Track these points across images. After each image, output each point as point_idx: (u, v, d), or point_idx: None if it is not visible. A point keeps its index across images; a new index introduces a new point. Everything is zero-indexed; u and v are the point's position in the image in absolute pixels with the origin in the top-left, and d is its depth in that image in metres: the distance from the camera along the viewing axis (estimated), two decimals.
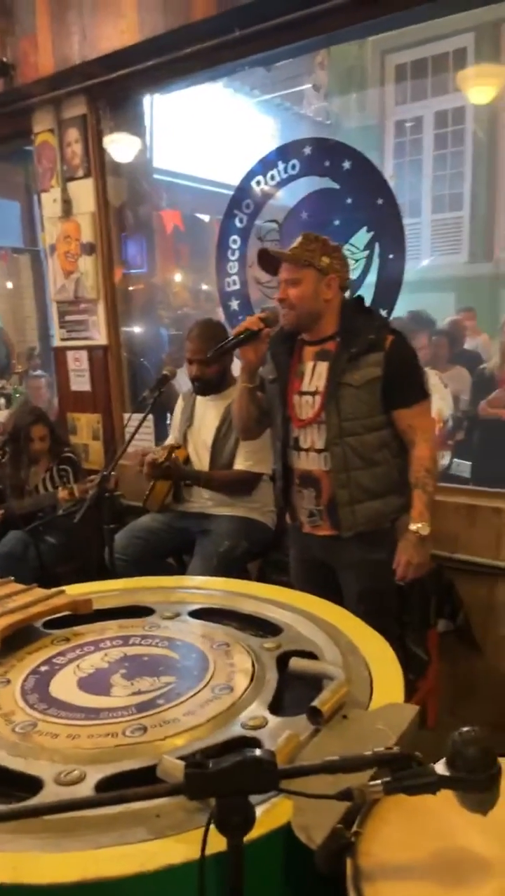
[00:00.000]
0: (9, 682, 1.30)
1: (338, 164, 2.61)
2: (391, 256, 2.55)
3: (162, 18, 2.73)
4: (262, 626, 1.53)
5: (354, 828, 0.87)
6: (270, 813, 0.91)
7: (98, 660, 1.37)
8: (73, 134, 3.28)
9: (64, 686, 1.27)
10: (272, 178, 2.82)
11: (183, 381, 2.93)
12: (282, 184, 2.80)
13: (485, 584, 2.45)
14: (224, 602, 1.65)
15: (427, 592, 2.31)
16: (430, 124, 7.75)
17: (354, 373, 1.90)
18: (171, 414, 2.94)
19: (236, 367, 2.71)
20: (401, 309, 2.79)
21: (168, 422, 3.06)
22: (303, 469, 2.01)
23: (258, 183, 2.87)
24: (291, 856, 0.91)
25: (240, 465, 2.59)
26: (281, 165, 2.78)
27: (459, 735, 0.80)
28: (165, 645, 1.42)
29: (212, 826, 0.77)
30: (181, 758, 1.02)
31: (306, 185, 2.77)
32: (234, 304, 3.02)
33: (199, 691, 1.23)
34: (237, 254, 2.98)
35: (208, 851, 0.78)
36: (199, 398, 2.75)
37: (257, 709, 1.18)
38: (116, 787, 1.01)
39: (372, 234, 2.56)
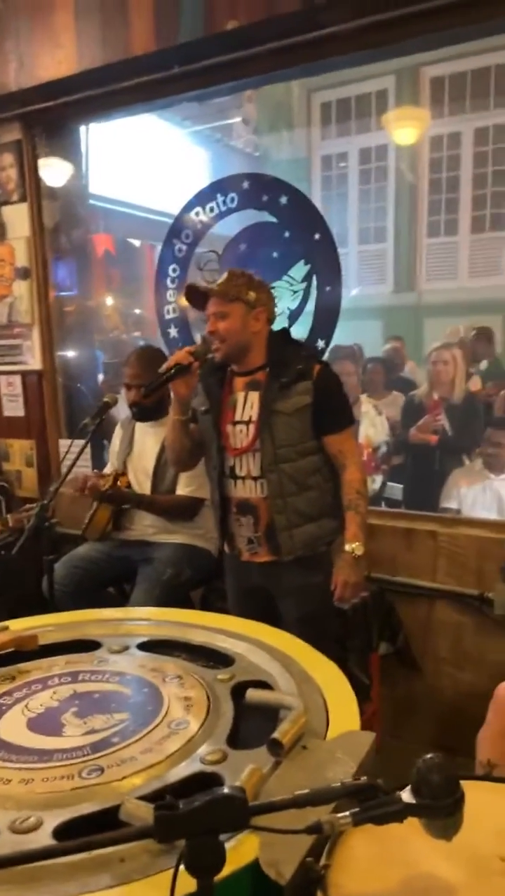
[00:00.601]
0: None
1: (275, 198, 2.69)
2: (328, 288, 2.63)
3: (101, 51, 2.75)
4: (213, 657, 1.52)
5: (323, 860, 0.88)
6: (237, 850, 0.91)
7: (47, 698, 1.34)
8: (7, 159, 3.25)
9: (13, 728, 1.23)
10: (211, 209, 2.87)
11: (121, 408, 2.91)
12: (220, 216, 2.85)
13: (423, 606, 2.53)
14: (173, 633, 1.64)
15: (369, 616, 2.35)
16: (355, 160, 8.05)
17: (284, 401, 1.97)
18: (109, 441, 2.91)
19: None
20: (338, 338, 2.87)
21: (105, 449, 3.02)
22: (240, 497, 2.04)
23: (197, 214, 2.91)
24: (259, 892, 0.91)
25: (182, 490, 2.59)
26: (220, 198, 2.83)
27: (423, 762, 0.82)
28: (116, 680, 1.40)
29: (181, 867, 0.76)
30: (144, 798, 1.00)
31: (246, 217, 2.83)
32: (174, 332, 3.04)
33: (155, 727, 1.21)
34: (176, 282, 3.00)
35: (176, 894, 0.77)
36: (138, 425, 2.73)
37: (216, 743, 1.17)
38: (75, 832, 0.98)
39: (309, 266, 2.63)
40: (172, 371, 1.97)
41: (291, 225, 2.66)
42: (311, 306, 2.68)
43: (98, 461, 3.12)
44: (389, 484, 3.72)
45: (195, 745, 1.16)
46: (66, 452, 2.35)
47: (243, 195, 2.78)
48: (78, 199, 3.55)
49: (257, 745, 1.16)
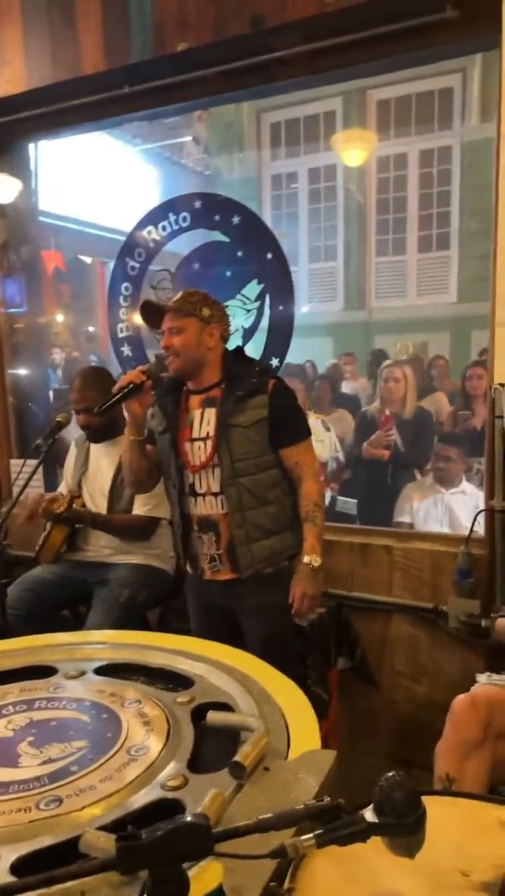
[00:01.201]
0: None
1: (227, 218, 2.71)
2: (281, 307, 2.66)
3: (51, 69, 2.75)
4: (172, 680, 1.50)
5: (287, 884, 0.87)
6: (199, 878, 0.89)
7: (2, 728, 1.29)
8: None
9: None
10: (163, 228, 2.88)
11: (74, 428, 2.87)
12: (172, 235, 2.87)
13: (379, 620, 2.55)
14: (131, 656, 1.61)
15: (327, 632, 2.37)
16: (304, 179, 8.19)
17: (240, 415, 1.99)
18: (61, 462, 2.87)
19: None
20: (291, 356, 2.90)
21: (59, 469, 2.98)
22: (201, 514, 2.04)
23: (149, 232, 2.91)
24: None
25: (138, 509, 2.56)
26: (172, 217, 2.85)
27: (385, 780, 0.83)
28: (73, 707, 1.37)
29: None
30: (105, 828, 0.98)
31: (198, 236, 2.85)
32: (127, 350, 3.02)
33: (114, 754, 1.18)
34: (129, 300, 2.99)
35: None
36: (93, 445, 2.70)
37: (176, 768, 1.15)
38: (34, 866, 0.95)
39: (262, 286, 2.67)
40: (126, 390, 1.97)
41: (243, 244, 2.69)
42: (264, 324, 2.70)
43: (51, 482, 3.07)
44: (342, 499, 3.77)
45: (155, 771, 1.14)
46: (19, 473, 2.31)
47: (196, 214, 2.80)
48: (27, 216, 3.53)
49: (218, 768, 1.15)
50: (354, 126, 7.35)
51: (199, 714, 1.30)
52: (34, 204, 3.71)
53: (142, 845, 0.74)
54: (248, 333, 2.70)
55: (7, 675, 1.53)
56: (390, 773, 0.84)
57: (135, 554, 2.58)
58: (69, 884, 0.89)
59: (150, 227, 2.91)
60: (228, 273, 2.73)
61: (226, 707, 1.33)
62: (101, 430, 2.59)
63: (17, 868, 0.94)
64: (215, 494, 2.01)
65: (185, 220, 2.82)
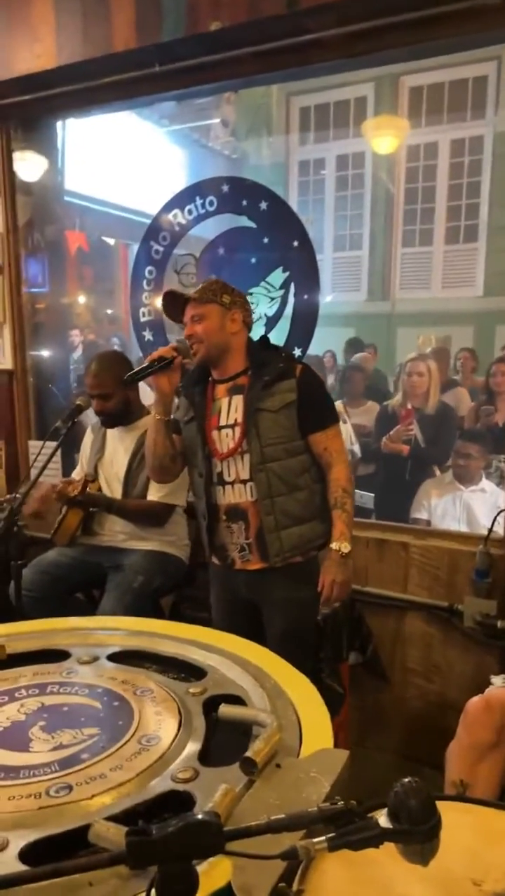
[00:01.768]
0: None
1: (255, 204, 2.67)
2: (305, 296, 2.62)
3: (81, 46, 2.71)
4: (184, 669, 1.49)
5: (296, 885, 0.86)
6: (209, 874, 0.89)
7: (14, 711, 1.29)
8: None
9: None
10: (189, 212, 2.84)
11: (92, 412, 2.86)
12: (199, 219, 2.83)
13: (393, 617, 2.53)
14: (144, 644, 1.61)
15: (340, 626, 2.35)
16: (332, 166, 8.09)
17: (269, 399, 1.96)
18: (78, 446, 2.86)
19: (144, 397, 2.70)
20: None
21: (76, 453, 2.97)
22: (229, 503, 2.02)
23: (175, 216, 2.88)
24: None
25: (153, 495, 2.55)
26: (198, 201, 2.81)
27: (400, 786, 0.81)
28: (86, 693, 1.36)
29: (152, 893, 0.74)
30: (114, 818, 0.98)
31: (224, 221, 2.81)
32: (149, 334, 3.00)
33: (125, 743, 1.18)
34: (152, 284, 2.96)
35: None
36: (109, 430, 2.69)
37: (187, 760, 1.15)
38: (42, 853, 0.95)
39: (287, 274, 2.63)
40: (156, 364, 1.96)
41: (270, 231, 2.65)
42: (288, 312, 2.67)
43: (68, 465, 3.07)
44: (359, 492, 3.73)
45: (166, 762, 1.13)
46: (38, 455, 2.30)
47: (223, 198, 2.76)
48: (53, 195, 3.50)
49: (229, 761, 1.14)
50: (385, 113, 7.24)
51: (210, 706, 1.30)
52: (60, 183, 3.69)
53: (152, 841, 0.73)
54: (272, 322, 2.67)
55: (21, 657, 1.53)
56: (406, 780, 0.82)
57: (149, 540, 2.57)
58: (77, 874, 0.88)
59: (176, 211, 2.87)
60: (253, 260, 2.69)
61: (238, 700, 1.32)
62: (116, 415, 2.58)
63: (26, 854, 0.94)
64: (244, 482, 1.99)
65: (211, 204, 2.79)
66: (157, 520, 2.57)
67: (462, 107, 7.10)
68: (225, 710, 1.24)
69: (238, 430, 1.98)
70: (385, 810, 0.81)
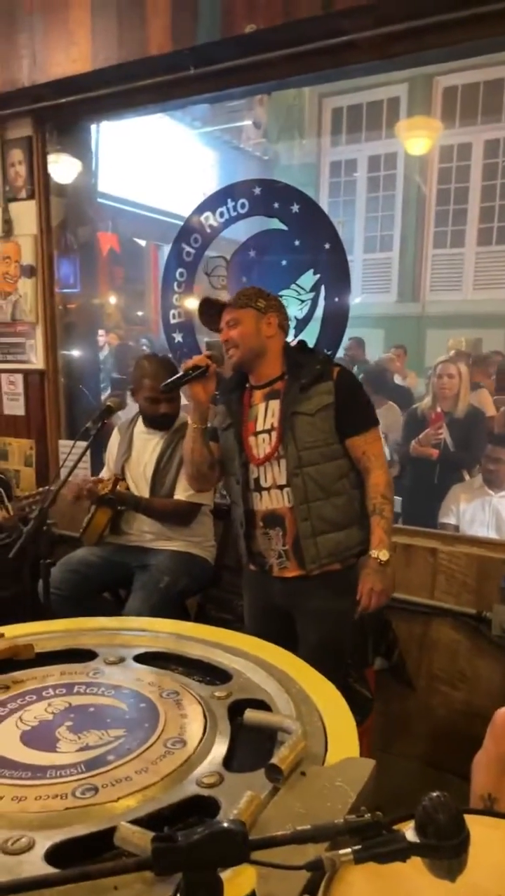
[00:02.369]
0: None
1: (286, 206, 2.67)
2: (336, 300, 2.61)
3: (116, 50, 2.73)
4: (209, 672, 1.50)
5: (320, 895, 0.85)
6: (233, 882, 0.88)
7: (41, 710, 1.31)
8: (17, 155, 3.22)
9: (6, 741, 1.20)
10: (221, 214, 2.85)
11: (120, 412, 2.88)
12: (230, 221, 2.83)
13: (419, 623, 2.51)
14: (170, 646, 1.61)
15: (366, 631, 2.33)
16: (363, 167, 8.04)
17: (305, 402, 1.94)
18: (105, 446, 2.88)
19: None
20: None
21: (104, 452, 3.00)
22: (266, 509, 2.00)
23: (206, 218, 2.89)
24: None
25: (180, 495, 2.57)
26: (230, 203, 2.81)
27: (428, 800, 0.80)
28: (112, 694, 1.37)
29: None
30: (139, 821, 0.98)
31: (255, 223, 2.82)
32: (179, 336, 3.02)
33: (150, 746, 1.18)
34: (183, 286, 2.98)
35: None
36: (137, 430, 2.71)
37: (212, 764, 1.15)
38: (67, 854, 0.96)
39: (318, 276, 2.62)
40: (192, 372, 1.96)
41: (301, 233, 2.64)
42: (318, 314, 2.66)
43: (97, 465, 3.10)
44: None
45: (191, 766, 1.13)
46: (68, 454, 2.32)
47: (254, 201, 2.76)
48: (86, 197, 3.53)
49: (253, 767, 1.14)
50: (419, 113, 7.17)
51: (236, 710, 1.29)
52: (93, 185, 3.72)
53: (178, 848, 0.74)
54: (302, 324, 2.66)
55: (49, 656, 1.54)
56: (435, 794, 0.81)
57: (176, 540, 2.58)
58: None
59: (208, 213, 2.88)
60: (284, 262, 2.69)
61: (263, 705, 1.32)
62: (170, 417, 2.60)
63: (51, 854, 0.95)
64: (281, 487, 1.96)
65: (243, 206, 2.79)
66: (184, 519, 2.58)
67: (497, 107, 6.99)
68: (250, 715, 1.24)
69: (274, 434, 1.96)
70: (412, 823, 0.80)
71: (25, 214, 3.26)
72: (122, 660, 1.52)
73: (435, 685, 2.52)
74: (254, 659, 1.51)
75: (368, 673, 2.41)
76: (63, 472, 2.31)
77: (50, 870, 0.92)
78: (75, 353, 3.53)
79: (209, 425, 2.07)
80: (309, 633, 2.01)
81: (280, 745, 1.15)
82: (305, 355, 2.05)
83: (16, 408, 3.42)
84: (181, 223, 3.01)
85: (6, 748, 1.18)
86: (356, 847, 0.80)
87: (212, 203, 2.87)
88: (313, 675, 1.45)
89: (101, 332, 5.78)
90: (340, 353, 4.87)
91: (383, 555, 1.93)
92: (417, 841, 0.79)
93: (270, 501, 1.99)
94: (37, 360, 3.34)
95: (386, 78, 6.17)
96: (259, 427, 2.00)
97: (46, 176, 3.26)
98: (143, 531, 2.61)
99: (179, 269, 2.98)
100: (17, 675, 1.45)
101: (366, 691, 2.28)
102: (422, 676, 2.53)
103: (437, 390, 3.58)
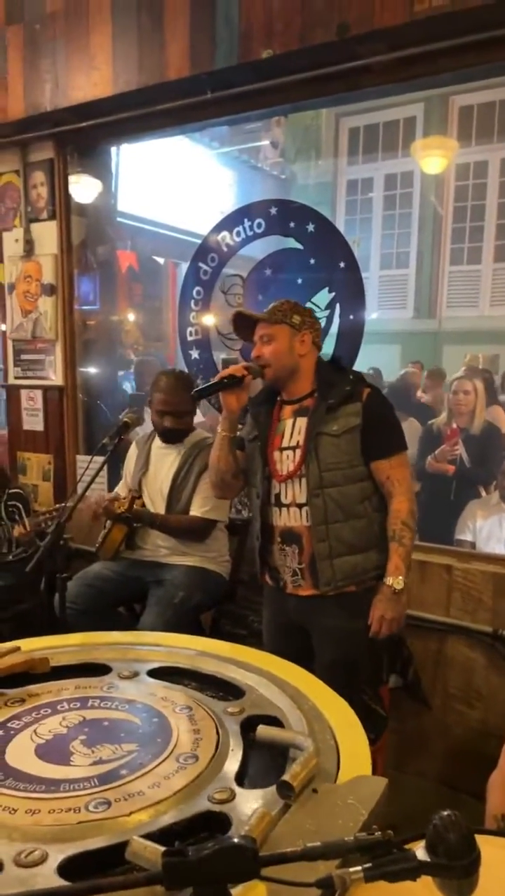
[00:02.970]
0: None
1: (302, 226, 2.70)
2: (351, 317, 2.63)
3: (136, 74, 2.79)
4: (222, 688, 1.50)
5: None
6: None
7: (56, 724, 1.32)
8: (38, 177, 3.29)
9: (21, 754, 1.22)
10: (238, 234, 2.89)
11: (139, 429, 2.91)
12: (246, 241, 2.87)
13: (435, 641, 2.49)
14: (183, 661, 1.62)
15: (380, 648, 2.32)
16: (380, 186, 8.10)
17: (332, 423, 1.93)
18: (123, 461, 2.92)
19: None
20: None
21: (121, 468, 3.03)
22: (284, 526, 2.00)
23: (223, 237, 2.93)
24: None
25: (195, 511, 2.58)
26: (247, 223, 2.85)
27: (439, 819, 0.80)
28: (126, 708, 1.38)
29: None
30: (150, 836, 0.99)
31: (271, 242, 2.85)
32: (195, 353, 3.05)
33: (163, 761, 1.19)
34: (200, 304, 3.01)
35: None
36: (155, 445, 2.74)
37: (223, 780, 1.15)
38: (80, 868, 0.97)
39: (333, 294, 2.64)
40: (226, 381, 1.96)
41: (316, 252, 2.67)
42: (333, 331, 2.68)
43: (114, 480, 3.13)
44: None
45: (203, 782, 1.14)
46: (86, 469, 2.35)
47: (270, 221, 2.80)
48: (105, 217, 3.60)
49: (265, 783, 1.14)
50: (435, 132, 7.23)
51: (248, 726, 1.30)
52: (113, 205, 3.79)
53: (188, 863, 0.74)
54: None
55: (63, 670, 1.56)
56: (445, 813, 0.81)
57: (190, 556, 2.60)
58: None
59: (225, 232, 2.92)
60: (300, 280, 2.72)
61: (276, 721, 1.32)
62: (183, 432, 2.63)
63: (64, 868, 0.96)
64: (300, 506, 1.96)
65: (259, 226, 2.83)
66: (199, 535, 2.60)
67: None
68: (263, 731, 1.25)
69: (299, 452, 1.96)
70: (423, 842, 0.80)
71: (47, 234, 3.33)
72: (136, 674, 1.53)
73: (450, 703, 2.50)
74: (267, 675, 1.52)
75: (383, 691, 2.39)
76: (80, 488, 2.34)
77: (62, 883, 0.93)
78: (94, 369, 3.58)
79: (238, 434, 2.07)
80: (324, 652, 2.00)
81: (292, 761, 1.16)
82: (336, 374, 2.03)
83: (35, 423, 3.47)
84: (199, 241, 3.05)
85: (21, 761, 1.20)
86: (367, 865, 0.81)
87: (229, 223, 2.91)
88: (326, 691, 1.45)
89: (125, 349, 5.85)
90: None
91: (398, 583, 1.91)
92: (428, 860, 0.79)
93: (289, 518, 1.98)
94: (56, 377, 3.39)
95: (402, 98, 6.24)
96: (285, 443, 2.00)
97: (67, 197, 3.32)
98: (158, 546, 2.63)
99: (197, 287, 3.02)
100: (33, 688, 1.46)
101: (380, 709, 2.26)
102: (437, 695, 2.51)
103: (452, 406, 3.57)
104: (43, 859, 0.97)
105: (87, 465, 2.41)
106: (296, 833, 1.00)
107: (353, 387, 1.97)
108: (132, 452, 2.83)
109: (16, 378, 3.53)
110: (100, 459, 2.46)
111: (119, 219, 4.28)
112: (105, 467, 2.53)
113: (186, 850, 0.75)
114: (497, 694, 2.41)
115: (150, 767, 1.17)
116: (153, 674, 1.54)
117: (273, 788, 1.10)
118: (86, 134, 3.16)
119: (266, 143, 7.36)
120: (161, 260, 7.47)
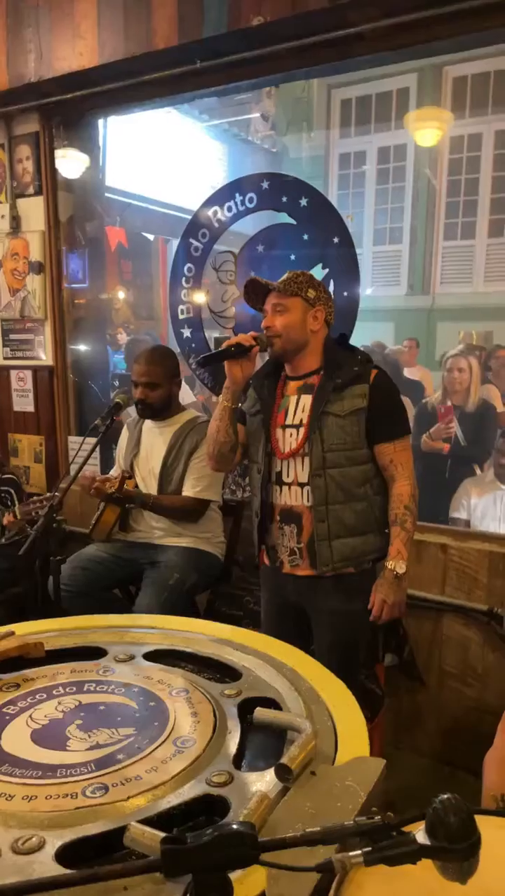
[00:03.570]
0: None
1: (295, 200, 2.65)
2: (345, 294, 2.59)
3: (123, 44, 2.72)
4: (219, 670, 1.49)
5: None
6: (243, 883, 0.89)
7: (52, 709, 1.31)
8: (24, 150, 3.22)
9: (17, 739, 1.21)
10: (229, 209, 2.83)
11: (129, 409, 2.88)
12: (238, 216, 2.82)
13: (430, 619, 2.50)
14: (179, 643, 1.61)
15: (376, 628, 2.32)
16: (373, 159, 7.98)
17: (338, 403, 1.91)
18: (116, 443, 2.89)
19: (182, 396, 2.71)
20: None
21: (114, 449, 3.00)
22: (284, 504, 1.97)
23: (214, 213, 2.88)
24: None
25: (188, 491, 2.57)
26: (238, 197, 2.80)
27: (439, 803, 0.79)
28: (122, 692, 1.37)
29: None
30: (148, 821, 0.98)
31: (264, 217, 2.80)
32: (187, 331, 3.01)
33: (160, 745, 1.18)
34: (191, 281, 2.97)
35: None
36: (145, 426, 2.71)
37: (221, 763, 1.14)
38: (78, 854, 0.96)
39: (327, 270, 2.60)
40: (233, 349, 1.90)
41: (309, 228, 2.62)
42: None
43: (107, 461, 3.10)
44: None
45: (201, 765, 1.13)
46: (78, 451, 2.32)
47: (262, 195, 2.75)
48: (93, 192, 3.53)
49: (263, 765, 1.14)
50: (428, 104, 7.11)
51: (245, 708, 1.29)
52: (101, 179, 3.71)
53: (187, 850, 0.73)
54: None
55: (59, 654, 1.55)
56: (445, 795, 0.80)
57: (185, 537, 2.58)
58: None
59: (216, 208, 2.86)
60: (293, 256, 2.67)
61: (273, 703, 1.32)
62: (156, 408, 2.60)
63: (62, 854, 0.95)
64: (301, 485, 1.93)
65: (251, 200, 2.77)
66: (192, 515, 2.58)
67: None
68: (261, 713, 1.24)
69: (302, 430, 1.93)
70: (423, 824, 0.80)
71: (33, 210, 3.26)
72: (131, 657, 1.52)
73: (446, 681, 2.51)
74: (264, 657, 1.51)
75: (379, 669, 2.40)
76: (73, 469, 2.31)
77: (60, 869, 0.92)
78: (84, 348, 3.53)
79: (239, 406, 2.02)
80: (323, 633, 1.99)
81: (290, 744, 1.15)
82: (344, 352, 2.00)
83: (25, 404, 3.43)
84: (189, 217, 3.00)
85: (17, 747, 1.19)
86: (366, 849, 0.80)
87: (220, 197, 2.85)
88: (323, 673, 1.44)
89: (119, 329, 5.78)
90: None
91: (400, 567, 1.90)
92: (428, 843, 0.78)
93: (290, 497, 1.96)
94: (46, 357, 3.34)
95: (395, 68, 6.11)
96: (288, 420, 1.97)
97: (54, 171, 3.25)
98: (153, 528, 2.61)
99: (188, 264, 2.97)
100: (28, 673, 1.45)
101: (376, 688, 2.28)
102: (433, 673, 2.52)
103: (447, 384, 3.55)
104: (40, 846, 0.96)
105: (80, 446, 2.38)
106: (295, 816, 1.00)
107: (361, 367, 1.93)
108: (124, 434, 2.81)
109: (5, 358, 3.48)
110: (92, 441, 2.44)
111: (107, 194, 4.19)
112: (97, 449, 2.50)
113: (185, 837, 0.74)
114: (492, 672, 2.42)
115: (147, 751, 1.16)
116: (149, 657, 1.53)
117: (271, 771, 1.09)
118: (72, 106, 3.08)
119: (257, 115, 7.22)
120: (151, 236, 7.36)
